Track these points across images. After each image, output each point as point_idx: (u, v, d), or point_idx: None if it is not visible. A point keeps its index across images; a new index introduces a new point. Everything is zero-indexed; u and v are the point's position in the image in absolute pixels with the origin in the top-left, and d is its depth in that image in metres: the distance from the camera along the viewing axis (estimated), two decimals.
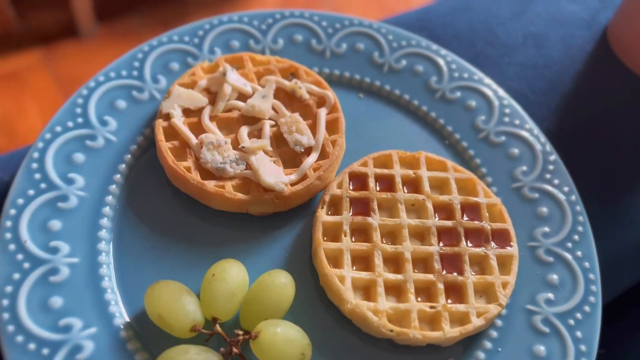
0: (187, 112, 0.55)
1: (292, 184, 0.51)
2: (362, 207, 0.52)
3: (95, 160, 0.53)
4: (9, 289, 0.45)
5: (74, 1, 1.46)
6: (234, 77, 0.56)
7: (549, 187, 0.56)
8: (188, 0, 1.68)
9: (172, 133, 0.53)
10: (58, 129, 0.53)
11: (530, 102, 0.66)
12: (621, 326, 0.56)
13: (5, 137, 1.36)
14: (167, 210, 0.52)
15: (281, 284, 0.46)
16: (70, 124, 0.53)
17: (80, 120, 0.54)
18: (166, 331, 0.45)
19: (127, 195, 0.52)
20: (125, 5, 1.64)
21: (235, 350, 0.43)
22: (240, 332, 0.44)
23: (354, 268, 0.49)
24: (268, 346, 0.43)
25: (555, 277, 0.52)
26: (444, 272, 0.49)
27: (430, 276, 0.49)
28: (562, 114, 0.66)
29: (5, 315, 0.43)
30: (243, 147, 0.52)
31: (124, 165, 0.53)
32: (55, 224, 0.48)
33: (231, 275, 0.46)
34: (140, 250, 0.50)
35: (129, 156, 0.54)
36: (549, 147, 0.59)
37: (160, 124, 0.53)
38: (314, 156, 0.53)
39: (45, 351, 0.43)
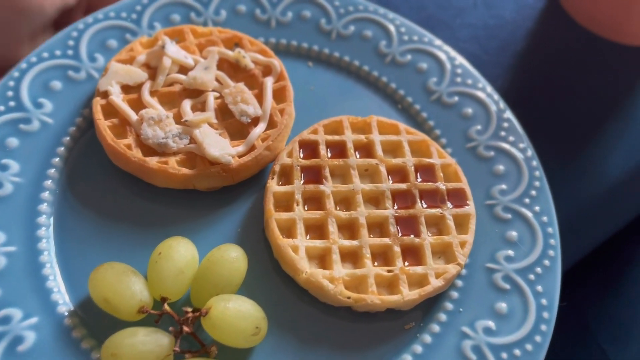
0: (126, 88, 0.53)
1: (240, 156, 0.49)
2: (313, 175, 0.50)
3: (30, 145, 0.50)
4: None
5: None
6: (173, 50, 0.53)
7: (504, 145, 0.55)
8: None
9: (111, 111, 0.51)
10: None
11: (483, 62, 0.65)
12: (583, 277, 0.56)
13: None
14: (109, 191, 0.50)
15: (232, 258, 0.44)
16: (1, 107, 0.50)
17: (12, 103, 0.51)
18: (113, 315, 0.43)
19: (67, 178, 0.50)
20: None
21: (186, 329, 0.41)
22: (190, 309, 0.42)
23: (308, 237, 0.48)
24: (219, 321, 0.41)
25: (514, 233, 0.51)
26: (400, 234, 0.48)
27: (386, 240, 0.47)
28: (515, 73, 0.65)
29: None
30: (186, 120, 0.50)
31: (62, 148, 0.51)
32: None
33: (179, 253, 0.44)
34: (84, 235, 0.48)
35: (68, 138, 0.51)
36: (502, 104, 0.58)
37: (97, 102, 0.51)
38: (261, 126, 0.51)
39: None
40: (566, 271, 0.50)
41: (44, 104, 0.52)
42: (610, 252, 0.61)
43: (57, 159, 0.50)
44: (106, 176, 0.51)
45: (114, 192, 0.50)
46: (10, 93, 0.51)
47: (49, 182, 0.49)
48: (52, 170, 0.49)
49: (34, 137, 0.50)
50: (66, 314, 0.43)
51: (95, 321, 0.44)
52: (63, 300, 0.44)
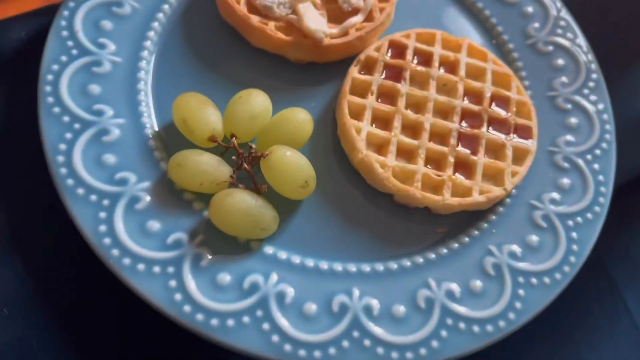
0: None
1: (333, 37, 0.53)
2: (394, 74, 0.53)
3: None
4: (62, 146, 0.46)
5: None
6: None
7: (583, 102, 0.56)
8: None
9: None
10: None
11: None
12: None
13: None
14: (211, 38, 0.55)
15: (300, 118, 0.48)
16: None
17: None
18: (188, 138, 0.48)
19: (177, 17, 0.55)
20: None
21: (245, 165, 0.46)
22: (254, 146, 0.47)
23: (373, 126, 0.51)
24: (276, 164, 0.45)
25: (566, 181, 0.52)
26: (459, 147, 0.50)
27: (444, 148, 0.50)
28: None
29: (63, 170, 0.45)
30: None
31: None
32: (107, 24, 0.52)
33: (256, 101, 0.48)
34: (180, 78, 0.53)
35: None
36: (594, 65, 0.58)
37: None
38: (359, 17, 0.54)
39: (106, 202, 0.45)
40: None
41: None
42: (631, 193, 0.61)
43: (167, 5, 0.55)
44: (211, 29, 0.55)
45: (214, 44, 0.55)
46: None
47: (160, 15, 0.54)
48: (166, 6, 0.55)
49: None
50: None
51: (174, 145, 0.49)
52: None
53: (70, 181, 0.44)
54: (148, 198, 0.46)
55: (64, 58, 0.49)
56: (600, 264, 0.59)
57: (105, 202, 0.44)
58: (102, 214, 0.44)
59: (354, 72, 0.52)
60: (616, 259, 0.61)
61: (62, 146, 0.46)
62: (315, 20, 0.52)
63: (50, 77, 0.48)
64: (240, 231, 0.45)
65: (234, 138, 0.47)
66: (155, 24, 0.54)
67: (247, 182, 0.47)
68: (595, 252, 0.50)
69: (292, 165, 0.45)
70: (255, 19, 0.52)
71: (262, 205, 0.45)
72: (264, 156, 0.46)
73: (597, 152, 0.54)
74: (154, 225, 0.45)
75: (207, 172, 0.45)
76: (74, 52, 0.50)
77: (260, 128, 0.49)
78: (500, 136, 0.52)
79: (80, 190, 0.44)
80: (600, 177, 0.53)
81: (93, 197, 0.44)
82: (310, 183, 0.46)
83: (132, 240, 0.43)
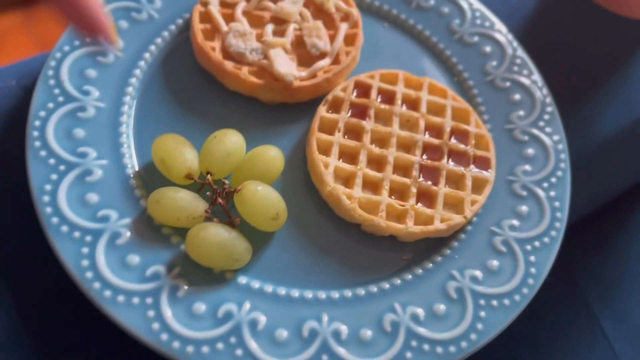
0: (224, 4, 0.61)
1: (302, 80, 0.57)
2: (360, 111, 0.57)
3: (136, 29, 0.59)
4: (48, 187, 0.49)
5: None
6: None
7: (539, 133, 0.60)
8: None
9: (206, 19, 0.60)
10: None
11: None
12: (576, 238, 0.60)
13: None
14: (189, 83, 0.59)
15: (271, 155, 0.52)
16: None
17: None
18: (166, 176, 0.51)
19: (156, 69, 0.59)
20: None
21: (220, 200, 0.49)
22: (227, 182, 0.50)
23: (340, 160, 0.54)
24: (248, 198, 0.48)
25: (524, 208, 0.55)
26: (421, 179, 0.54)
27: (406, 180, 0.54)
28: (522, 36, 0.69)
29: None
30: (265, 40, 0.58)
31: (159, 40, 0.60)
32: (91, 72, 0.56)
33: (230, 140, 0.52)
34: (159, 120, 0.57)
35: (166, 33, 0.60)
36: (549, 99, 0.62)
37: (197, 8, 0.59)
38: (327, 60, 0.58)
39: (89, 238, 0.47)
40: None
41: (154, 1, 0.61)
42: (605, 217, 0.64)
43: (153, 47, 0.59)
44: (189, 74, 0.59)
45: (192, 88, 0.58)
46: None
47: (142, 63, 0.58)
48: (147, 55, 0.59)
49: (140, 25, 0.60)
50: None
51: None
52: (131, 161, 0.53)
53: (55, 219, 0.47)
54: (128, 233, 0.49)
55: (50, 105, 0.53)
56: (576, 288, 0.62)
57: (88, 238, 0.47)
58: (85, 250, 0.47)
59: (322, 111, 0.56)
60: (591, 284, 0.64)
61: (48, 187, 0.49)
62: (285, 65, 0.56)
63: (37, 122, 0.52)
64: (214, 262, 0.48)
65: (209, 175, 0.51)
66: (137, 71, 0.58)
67: (222, 216, 0.50)
68: (570, 277, 0.52)
69: (263, 200, 0.49)
70: (229, 65, 0.56)
71: (236, 238, 0.48)
72: (237, 191, 0.49)
73: (553, 180, 0.57)
74: (134, 258, 0.47)
75: (183, 208, 0.48)
76: (60, 99, 0.53)
77: (234, 165, 0.52)
78: (460, 167, 0.55)
79: (65, 228, 0.47)
80: (557, 204, 0.56)
81: (76, 234, 0.47)
82: (281, 215, 0.50)
83: (113, 273, 0.46)
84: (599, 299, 0.62)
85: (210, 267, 0.48)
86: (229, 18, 0.60)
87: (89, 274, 0.45)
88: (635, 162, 0.68)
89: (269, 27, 0.60)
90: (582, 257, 0.55)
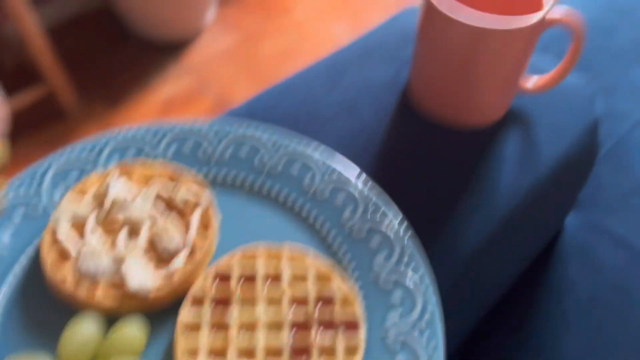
0: (76, 218, 0.61)
1: (158, 289, 0.57)
2: (223, 302, 0.57)
3: None
4: None
5: None
6: (117, 187, 0.63)
7: (402, 275, 0.62)
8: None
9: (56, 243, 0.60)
10: None
11: None
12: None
13: None
14: (46, 320, 0.58)
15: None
16: None
17: None
18: None
19: (9, 303, 0.58)
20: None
21: None
22: None
23: (211, 357, 0.54)
24: None
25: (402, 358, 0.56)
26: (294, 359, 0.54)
27: None
28: (373, 171, 0.72)
29: None
30: (117, 254, 0.58)
31: (16, 268, 0.60)
32: None
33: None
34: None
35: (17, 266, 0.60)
36: (406, 240, 0.64)
37: (45, 235, 0.60)
38: (181, 258, 0.59)
39: None
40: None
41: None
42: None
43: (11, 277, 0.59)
44: (45, 303, 0.59)
45: (49, 321, 0.58)
46: None
47: None
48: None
49: None
50: None
51: None
52: None
53: None
54: None
55: None
56: None
57: None
58: None
59: (183, 314, 0.56)
60: None
61: None
62: (139, 277, 0.57)
63: None
64: None
65: None
66: None
67: None
68: None
69: None
70: (82, 292, 0.56)
71: None
72: None
73: (423, 324, 0.59)
74: None
75: None
76: None
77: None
78: (330, 337, 0.56)
79: None
80: (433, 342, 0.57)
81: None
82: None
83: None
84: None
85: None
86: (82, 234, 0.61)
87: None
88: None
89: (123, 234, 0.60)
90: None
